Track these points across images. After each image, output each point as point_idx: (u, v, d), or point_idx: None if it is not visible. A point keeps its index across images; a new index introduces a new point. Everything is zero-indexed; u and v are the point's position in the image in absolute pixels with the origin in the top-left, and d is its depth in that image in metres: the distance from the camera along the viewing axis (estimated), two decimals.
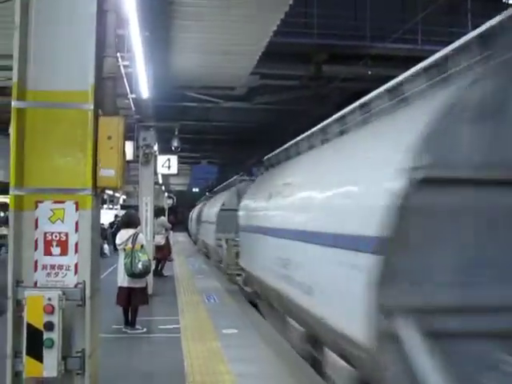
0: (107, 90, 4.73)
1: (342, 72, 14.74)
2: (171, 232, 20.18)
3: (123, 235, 10.40)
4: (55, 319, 4.21)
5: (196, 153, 30.53)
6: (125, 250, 10.14)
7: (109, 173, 4.54)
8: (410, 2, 15.31)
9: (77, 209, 4.50)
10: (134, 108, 13.20)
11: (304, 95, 16.36)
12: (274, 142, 23.03)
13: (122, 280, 10.20)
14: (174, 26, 10.34)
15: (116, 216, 33.71)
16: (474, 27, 14.79)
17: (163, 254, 18.69)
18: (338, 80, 14.89)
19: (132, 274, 10.01)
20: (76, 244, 4.50)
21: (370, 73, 14.62)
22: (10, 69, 10.69)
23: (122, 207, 42.85)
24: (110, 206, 41.71)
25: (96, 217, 4.73)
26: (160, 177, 24.95)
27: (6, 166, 22.07)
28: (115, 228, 27.35)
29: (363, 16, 15.28)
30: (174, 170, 18.04)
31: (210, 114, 18.83)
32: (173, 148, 18.80)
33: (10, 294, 4.37)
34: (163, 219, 19.82)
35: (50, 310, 4.20)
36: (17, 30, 4.46)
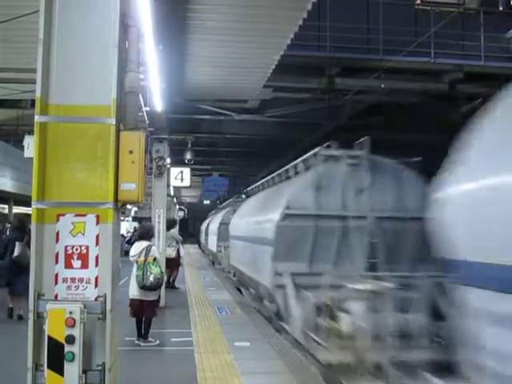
0: (129, 104, 4.76)
1: (354, 85, 14.78)
2: (180, 245, 20.22)
3: (137, 247, 10.43)
4: (76, 332, 4.21)
5: (208, 165, 30.62)
6: (137, 262, 10.17)
7: (130, 187, 4.56)
8: (422, 16, 15.34)
9: (97, 222, 4.52)
10: (147, 121, 13.26)
11: (317, 108, 16.40)
12: (286, 154, 23.13)
13: (134, 292, 10.22)
14: (187, 40, 10.41)
15: (135, 228, 33.97)
16: (486, 40, 14.73)
17: (174, 266, 18.67)
18: (351, 93, 14.91)
19: (143, 287, 10.02)
20: (96, 257, 4.51)
21: (382, 86, 14.64)
22: (24, 82, 10.97)
23: (134, 219, 42.99)
24: (122, 218, 41.76)
25: (116, 230, 4.74)
26: (172, 189, 25.01)
27: (18, 178, 22.29)
28: (130, 240, 27.51)
29: (376, 29, 15.32)
30: (186, 182, 18.08)
31: (223, 126, 18.92)
32: (186, 160, 18.86)
33: (30, 306, 4.39)
34: (174, 232, 19.83)
35: (71, 323, 4.20)
36: (40, 44, 4.49)
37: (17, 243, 12.31)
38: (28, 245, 10.08)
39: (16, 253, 12.17)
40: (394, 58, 13.79)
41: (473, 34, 15.48)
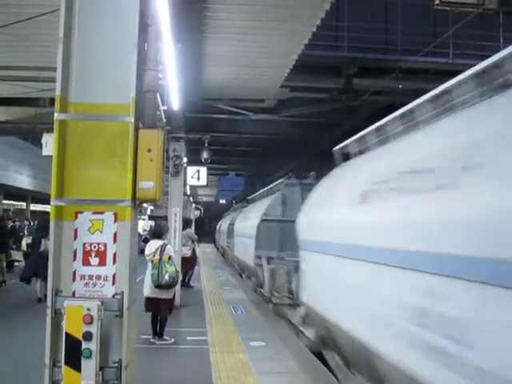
0: (148, 102, 4.78)
1: (372, 85, 14.73)
2: (196, 244, 20.35)
3: (152, 246, 10.45)
4: (94, 329, 4.23)
5: (224, 164, 30.68)
6: (152, 261, 10.20)
7: (148, 185, 4.57)
8: (441, 16, 15.24)
9: (115, 220, 4.54)
10: (164, 119, 13.30)
11: (334, 108, 16.36)
12: (303, 154, 23.09)
13: (149, 291, 10.25)
14: (205, 39, 10.42)
15: (151, 227, 34.16)
16: (506, 41, 14.64)
17: (189, 265, 18.74)
18: (368, 93, 14.87)
19: (159, 285, 10.04)
20: (114, 254, 4.53)
21: (400, 86, 14.58)
22: (42, 80, 11.05)
23: (150, 218, 43.18)
24: (138, 216, 41.96)
25: (134, 228, 4.76)
26: (188, 188, 25.08)
27: (35, 176, 22.56)
28: (146, 238, 27.68)
29: (394, 29, 15.28)
30: (203, 181, 18.12)
31: (240, 126, 18.94)
32: (202, 160, 18.90)
33: (49, 303, 4.42)
34: (190, 231, 19.90)
35: (88, 320, 4.22)
36: (60, 42, 4.52)
37: (42, 240, 14.16)
38: None
39: (42, 247, 14.00)
40: (411, 58, 13.73)
41: (492, 35, 15.38)
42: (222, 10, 9.18)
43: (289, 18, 9.50)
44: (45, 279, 13.22)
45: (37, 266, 13.86)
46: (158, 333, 10.48)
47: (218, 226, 45.59)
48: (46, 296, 4.46)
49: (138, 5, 4.60)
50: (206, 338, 10.77)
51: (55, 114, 4.50)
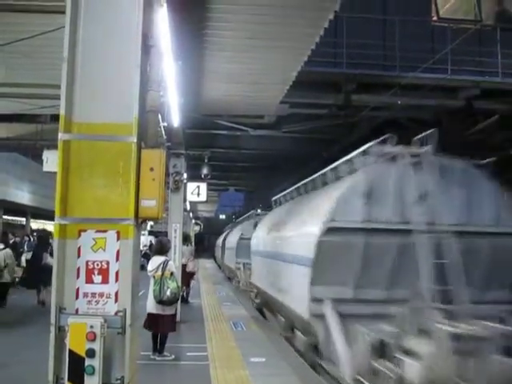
0: (149, 122, 4.85)
1: (371, 101, 14.81)
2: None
3: (154, 262, 10.49)
4: (97, 346, 4.27)
5: (224, 180, 30.74)
6: (154, 277, 10.23)
7: (150, 203, 4.63)
8: (439, 32, 15.37)
9: (118, 238, 4.59)
10: (165, 136, 13.38)
11: (333, 124, 16.43)
12: (302, 170, 23.15)
13: (151, 306, 10.27)
14: (205, 56, 10.51)
15: (151, 243, 34.30)
16: (504, 57, 14.67)
17: (187, 280, 18.76)
18: (367, 109, 14.95)
19: (160, 301, 10.08)
20: (117, 272, 4.58)
21: (399, 102, 14.67)
22: (43, 97, 11.13)
23: (150, 233, 43.19)
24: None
25: (136, 246, 4.81)
26: (188, 203, 25.12)
27: (35, 192, 22.64)
28: (146, 254, 27.72)
29: (392, 46, 15.37)
30: (203, 197, 18.20)
31: (239, 141, 19.01)
32: (202, 175, 18.97)
33: (52, 320, 4.46)
34: (191, 248, 20.01)
35: (92, 337, 4.26)
36: (65, 62, 4.59)
37: (44, 254, 16.29)
38: (51, 254, 12.42)
39: (44, 260, 16.03)
40: (410, 74, 13.82)
41: (490, 51, 15.50)
42: (222, 28, 9.28)
43: (288, 36, 9.59)
44: (46, 288, 15.27)
45: (41, 276, 15.25)
46: (159, 349, 10.48)
47: (219, 242, 45.71)
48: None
49: (141, 27, 4.69)
50: (206, 353, 10.77)
51: (59, 134, 4.57)
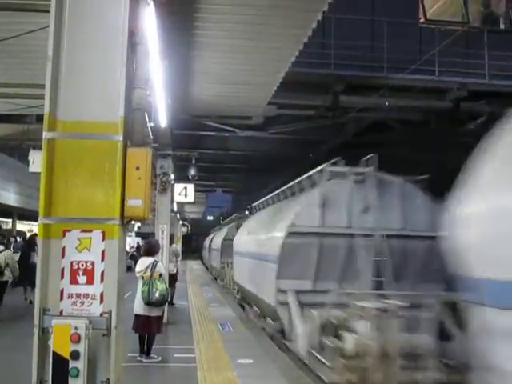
0: (136, 121, 4.78)
1: (358, 102, 14.82)
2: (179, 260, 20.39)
3: (143, 263, 10.42)
4: (81, 348, 4.19)
5: (212, 181, 30.69)
6: (143, 277, 10.16)
7: (136, 203, 4.55)
8: (426, 34, 15.39)
9: (103, 238, 4.52)
10: (152, 136, 13.31)
11: (321, 125, 16.44)
12: (290, 171, 23.13)
13: (139, 308, 10.20)
14: (192, 57, 10.48)
15: (138, 244, 34.26)
16: (491, 59, 14.67)
17: (172, 281, 18.64)
18: (355, 110, 14.96)
19: (148, 303, 10.02)
20: (102, 273, 4.50)
21: (387, 103, 14.69)
22: (29, 97, 11.03)
23: (137, 234, 43.07)
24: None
25: (122, 246, 4.74)
26: (175, 205, 25.04)
27: (21, 192, 22.49)
28: (133, 255, 27.59)
29: (380, 47, 15.39)
30: (190, 198, 18.13)
31: (227, 142, 18.99)
32: (189, 176, 18.91)
33: (36, 321, 4.38)
34: (174, 247, 19.86)
35: (76, 338, 4.18)
36: (49, 60, 4.52)
37: (32, 253, 16.79)
38: None
39: (32, 259, 16.34)
40: (398, 75, 13.84)
41: (477, 53, 15.55)
42: (210, 28, 9.24)
43: (275, 37, 9.58)
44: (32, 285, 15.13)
45: (28, 276, 14.99)
46: (146, 351, 10.40)
47: (206, 243, 45.99)
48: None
49: (127, 24, 4.63)
50: (193, 355, 10.71)
51: (44, 133, 4.49)
